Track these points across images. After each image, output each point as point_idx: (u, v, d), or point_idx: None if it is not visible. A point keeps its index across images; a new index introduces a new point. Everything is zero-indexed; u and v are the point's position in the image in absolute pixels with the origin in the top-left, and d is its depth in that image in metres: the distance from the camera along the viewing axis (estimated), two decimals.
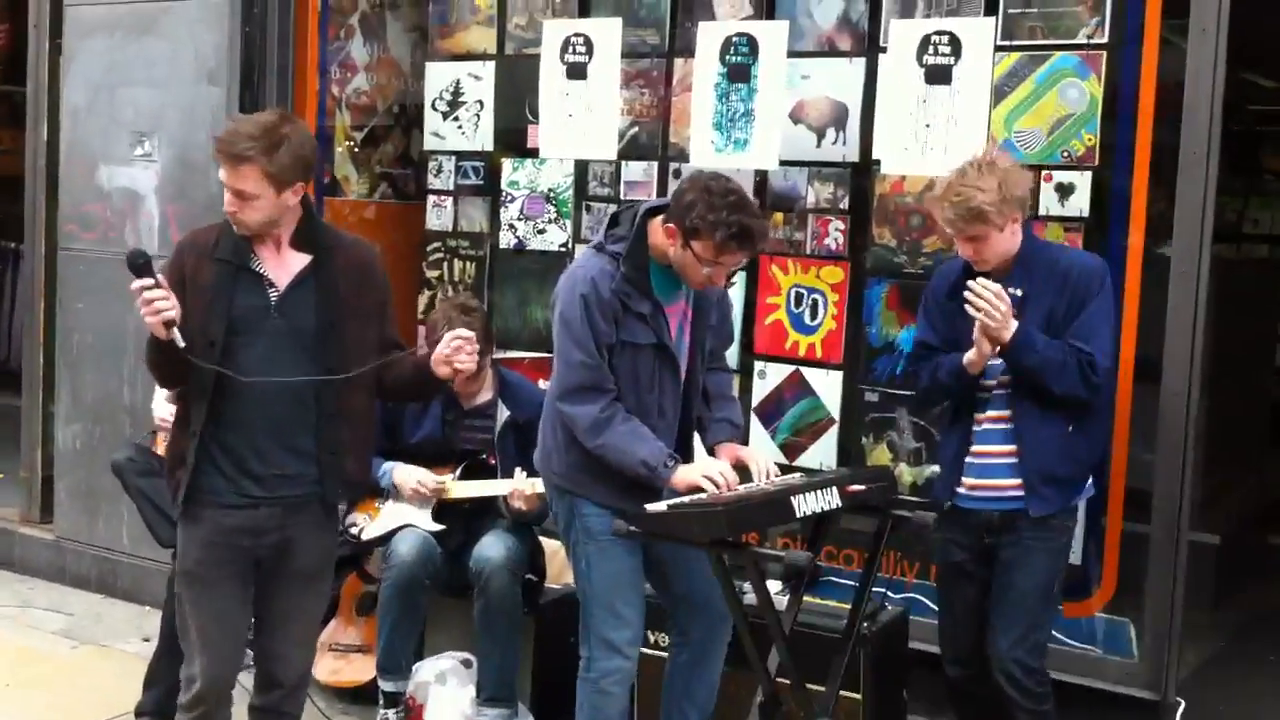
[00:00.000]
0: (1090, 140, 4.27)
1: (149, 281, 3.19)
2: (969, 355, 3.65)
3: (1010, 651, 3.66)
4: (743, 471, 3.66)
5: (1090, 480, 3.84)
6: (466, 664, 4.48)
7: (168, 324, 3.20)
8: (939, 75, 4.39)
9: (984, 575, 3.78)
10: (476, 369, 4.41)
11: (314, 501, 3.47)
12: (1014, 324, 3.56)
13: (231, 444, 3.38)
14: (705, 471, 3.53)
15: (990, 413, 3.72)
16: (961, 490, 3.77)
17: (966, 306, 3.56)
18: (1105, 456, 4.09)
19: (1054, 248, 3.84)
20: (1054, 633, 3.96)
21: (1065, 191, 4.31)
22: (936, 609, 4.04)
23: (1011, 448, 3.68)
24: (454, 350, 3.39)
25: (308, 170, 3.38)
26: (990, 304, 3.52)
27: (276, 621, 3.55)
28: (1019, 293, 3.62)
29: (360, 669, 4.73)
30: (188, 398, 3.41)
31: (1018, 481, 3.67)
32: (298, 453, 3.41)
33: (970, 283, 3.57)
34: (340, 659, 4.79)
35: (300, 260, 3.42)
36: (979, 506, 3.74)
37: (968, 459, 3.76)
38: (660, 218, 3.63)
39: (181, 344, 3.22)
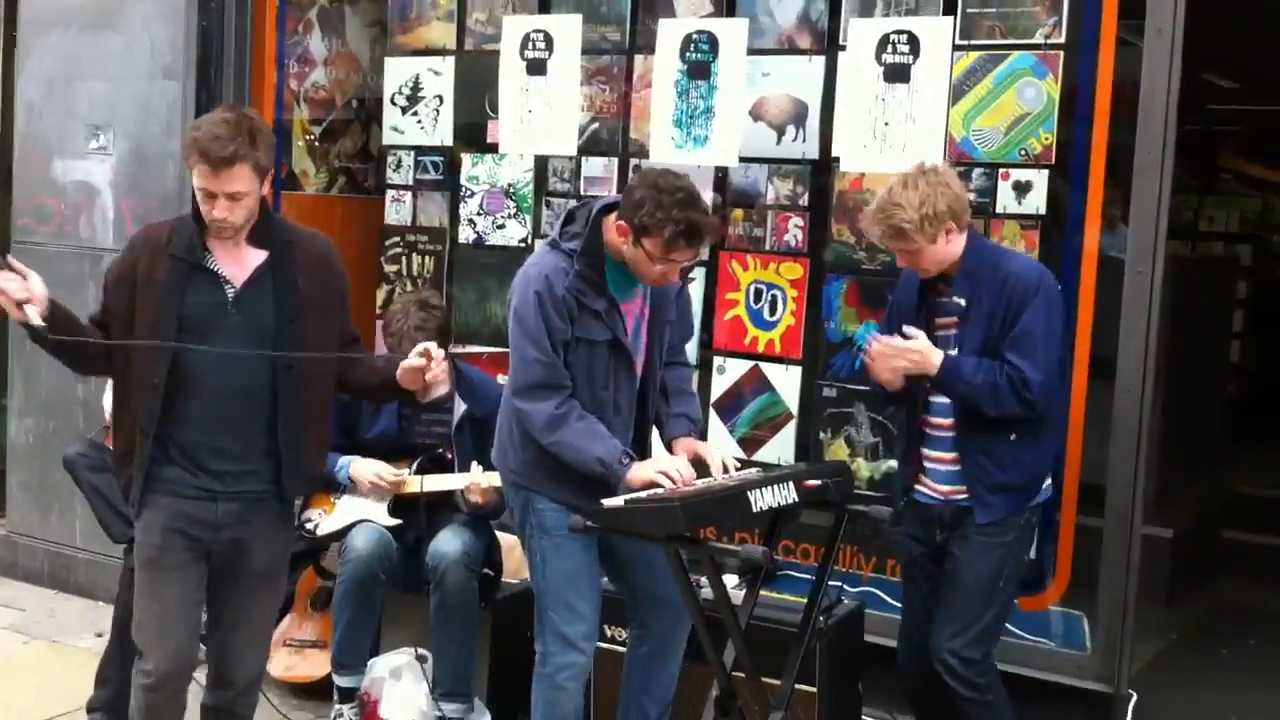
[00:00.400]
0: (1047, 139, 4.30)
1: None
2: (879, 376, 3.75)
3: (948, 643, 3.69)
4: (700, 466, 3.67)
5: (1048, 483, 3.85)
6: (422, 659, 4.47)
7: (19, 305, 3.14)
8: (898, 74, 4.41)
9: (936, 572, 3.81)
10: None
11: (270, 498, 3.45)
12: (938, 356, 3.60)
13: (187, 441, 3.36)
14: (660, 468, 3.53)
15: (936, 419, 3.75)
16: (917, 486, 3.81)
17: (863, 357, 3.70)
18: (1060, 459, 4.11)
19: (998, 254, 3.80)
20: (1008, 625, 3.97)
21: (1023, 190, 4.34)
22: (897, 604, 4.06)
23: (956, 454, 3.72)
24: (431, 376, 3.41)
25: (271, 157, 3.40)
26: (889, 362, 3.65)
27: (230, 620, 3.53)
28: (962, 302, 3.65)
29: (315, 664, 4.71)
30: (129, 393, 3.39)
31: (964, 488, 3.71)
32: (255, 449, 3.40)
33: (867, 347, 3.72)
34: (295, 654, 4.77)
35: (257, 256, 3.40)
36: (931, 502, 3.79)
37: (923, 460, 3.79)
38: (614, 215, 3.63)
39: (36, 323, 3.13)
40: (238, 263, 3.38)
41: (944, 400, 3.71)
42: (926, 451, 3.78)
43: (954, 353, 3.65)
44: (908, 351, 3.62)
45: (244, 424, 3.37)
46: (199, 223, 3.38)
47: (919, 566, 3.86)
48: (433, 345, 3.45)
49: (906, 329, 3.66)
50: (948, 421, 3.72)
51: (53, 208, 5.92)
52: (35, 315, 3.15)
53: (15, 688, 4.91)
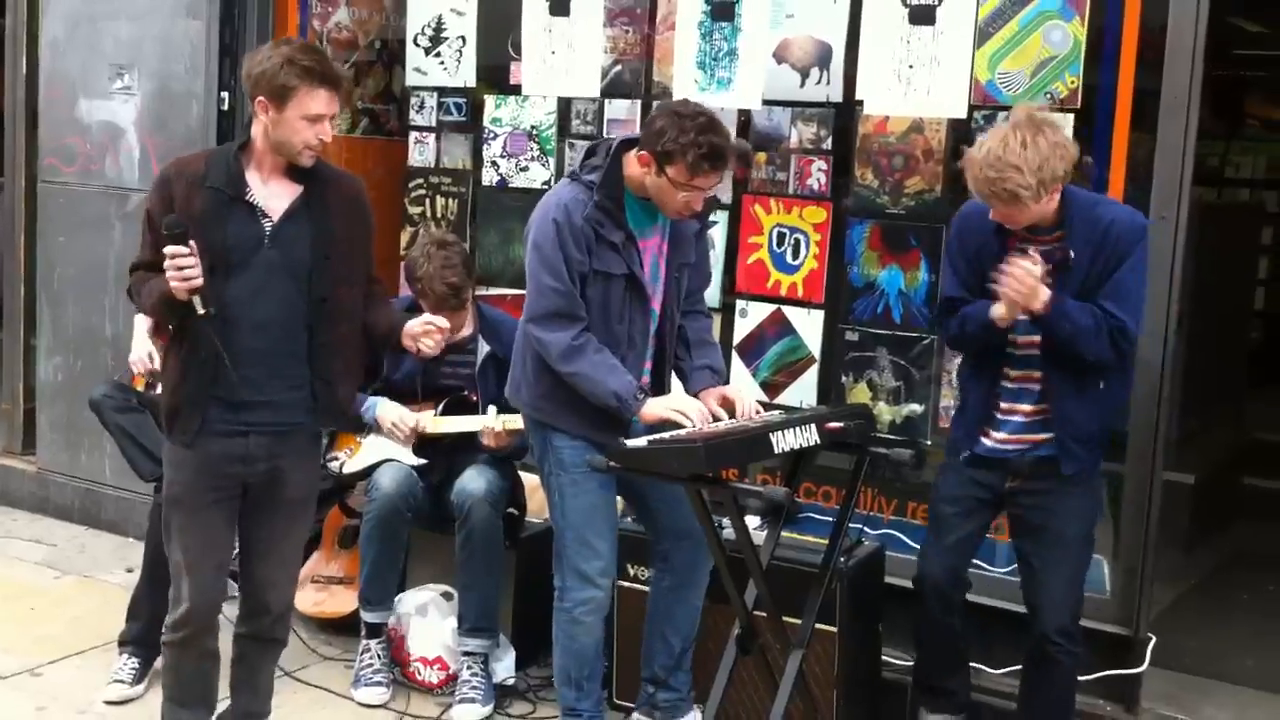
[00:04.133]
0: (1073, 83, 4.27)
1: (184, 250, 3.23)
2: (997, 310, 3.56)
3: (1058, 620, 3.63)
4: (731, 410, 3.70)
5: None
6: (447, 596, 4.53)
7: (192, 291, 3.25)
8: (923, 16, 4.38)
9: (988, 515, 3.78)
10: (459, 308, 4.46)
11: (302, 430, 3.51)
12: (1045, 293, 3.48)
13: (224, 374, 3.38)
14: (674, 405, 3.57)
15: (1020, 371, 3.66)
16: (987, 442, 3.72)
17: (994, 286, 3.51)
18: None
19: (1097, 202, 3.65)
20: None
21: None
22: (918, 546, 4.07)
23: (1042, 406, 3.63)
24: (424, 332, 3.47)
25: None
26: (1019, 285, 3.46)
27: (265, 548, 3.59)
28: (1074, 255, 3.52)
29: (343, 601, 4.78)
30: (181, 332, 3.41)
31: (1048, 436, 3.63)
32: (290, 382, 3.43)
33: (1004, 268, 3.48)
34: (323, 591, 4.84)
35: (292, 190, 3.43)
36: (1007, 455, 3.70)
37: (996, 414, 3.70)
38: (635, 149, 3.64)
39: (201, 311, 3.26)
40: (274, 196, 3.41)
41: (1029, 351, 3.62)
42: (1006, 404, 3.68)
43: None
44: (1033, 271, 3.45)
45: (279, 356, 3.41)
46: (239, 156, 3.40)
47: (966, 508, 3.77)
48: (439, 319, 3.51)
49: (1033, 252, 3.50)
50: (1034, 374, 3.62)
51: (78, 147, 5.95)
52: (199, 303, 3.26)
53: (48, 621, 4.99)
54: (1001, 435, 3.71)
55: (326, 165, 3.59)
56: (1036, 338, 3.60)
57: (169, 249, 3.23)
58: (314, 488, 3.68)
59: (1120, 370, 3.65)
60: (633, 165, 3.63)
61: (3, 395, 6.53)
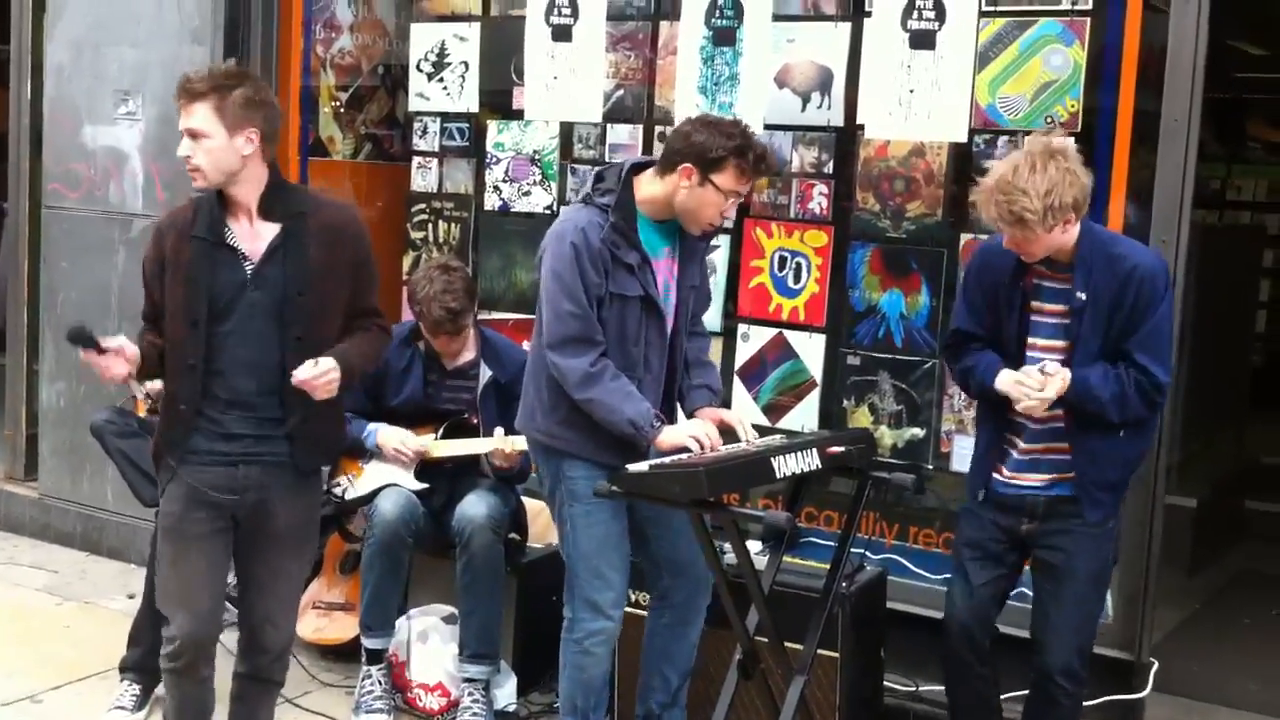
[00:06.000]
0: (1073, 106, 4.28)
1: (92, 353, 3.30)
2: (1004, 382, 3.50)
3: (1064, 661, 3.57)
4: (727, 434, 3.69)
5: None
6: (449, 620, 4.52)
7: (123, 380, 3.38)
8: (923, 40, 4.40)
9: (1013, 559, 3.68)
10: (456, 333, 4.47)
11: (290, 465, 3.47)
12: (1065, 377, 3.42)
13: (210, 409, 3.40)
14: (691, 432, 3.56)
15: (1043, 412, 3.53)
16: (1002, 479, 3.64)
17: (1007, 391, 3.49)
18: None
19: (1115, 242, 3.56)
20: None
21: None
22: (920, 571, 4.04)
23: (1063, 445, 3.56)
24: (319, 380, 3.33)
25: (264, 119, 3.36)
26: (1031, 405, 3.45)
27: (260, 583, 3.57)
28: (1082, 296, 3.45)
29: (344, 627, 4.77)
30: (170, 373, 3.44)
31: (1067, 475, 3.56)
32: (269, 420, 3.42)
33: (1015, 384, 3.47)
34: (324, 617, 4.83)
35: (271, 230, 3.40)
36: (1022, 494, 3.62)
37: (1013, 453, 3.62)
38: (649, 171, 3.66)
39: (140, 395, 3.49)
40: (255, 238, 3.39)
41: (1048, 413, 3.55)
42: (1025, 445, 3.60)
43: (1061, 344, 3.50)
44: (1036, 408, 3.44)
45: (264, 395, 3.39)
46: (221, 201, 3.40)
47: (988, 552, 3.67)
48: (327, 362, 3.35)
49: (1046, 365, 3.44)
50: (1055, 413, 3.52)
51: (82, 173, 5.96)
52: (135, 386, 3.47)
53: (49, 647, 4.98)
54: (1015, 474, 3.62)
55: (311, 197, 3.56)
56: (1058, 412, 3.52)
57: (82, 357, 3.32)
58: (308, 525, 3.61)
59: (1149, 416, 3.57)
60: (647, 187, 3.65)
61: (5, 420, 6.54)
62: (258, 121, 3.34)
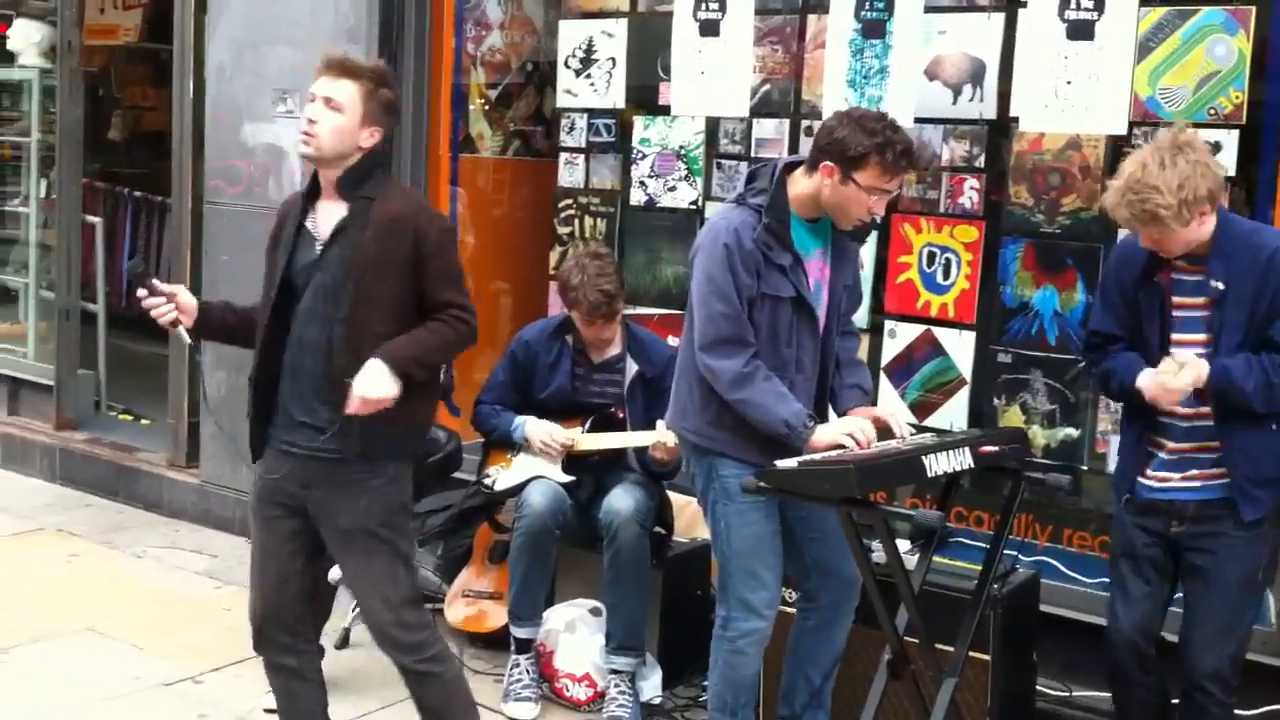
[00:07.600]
0: (1238, 98, 4.15)
1: (143, 293, 3.45)
2: (1144, 381, 3.43)
3: (1212, 665, 3.47)
4: (881, 432, 3.65)
5: None
6: (595, 612, 4.56)
7: (171, 324, 3.48)
8: (1081, 31, 4.31)
9: (1168, 564, 3.58)
10: (611, 317, 4.50)
11: (344, 463, 3.38)
12: (1201, 371, 3.34)
13: (281, 393, 3.46)
14: (846, 429, 3.51)
15: (1187, 409, 3.47)
16: (1148, 482, 3.56)
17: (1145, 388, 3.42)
18: None
19: (1255, 231, 3.49)
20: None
21: (1212, 150, 4.18)
22: (1073, 574, 3.95)
23: (1213, 444, 3.47)
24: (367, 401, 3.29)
25: (389, 125, 3.48)
26: (1166, 397, 3.38)
27: (346, 577, 3.61)
28: (1220, 286, 3.37)
29: (493, 616, 4.85)
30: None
31: (1217, 472, 3.47)
32: (318, 405, 3.41)
33: (1152, 380, 3.40)
34: (473, 605, 4.92)
35: (340, 211, 3.43)
36: (1171, 498, 3.53)
37: (1160, 454, 3.54)
38: (800, 169, 3.63)
39: (187, 341, 3.54)
40: (326, 219, 3.44)
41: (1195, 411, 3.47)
42: (1173, 445, 3.51)
43: (1204, 337, 3.42)
44: (1166, 395, 3.37)
45: (312, 379, 3.40)
46: (317, 179, 3.48)
47: (1146, 558, 3.57)
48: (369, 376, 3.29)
49: (1176, 355, 3.39)
50: (1190, 410, 3.46)
51: (242, 169, 6.14)
52: (184, 334, 3.50)
53: (207, 630, 5.14)
54: (1164, 474, 3.53)
55: (386, 183, 3.50)
56: (1204, 409, 3.44)
57: (138, 294, 3.44)
58: (372, 521, 3.41)
59: None
60: (798, 185, 3.62)
61: (168, 409, 6.77)
62: (385, 125, 3.45)
